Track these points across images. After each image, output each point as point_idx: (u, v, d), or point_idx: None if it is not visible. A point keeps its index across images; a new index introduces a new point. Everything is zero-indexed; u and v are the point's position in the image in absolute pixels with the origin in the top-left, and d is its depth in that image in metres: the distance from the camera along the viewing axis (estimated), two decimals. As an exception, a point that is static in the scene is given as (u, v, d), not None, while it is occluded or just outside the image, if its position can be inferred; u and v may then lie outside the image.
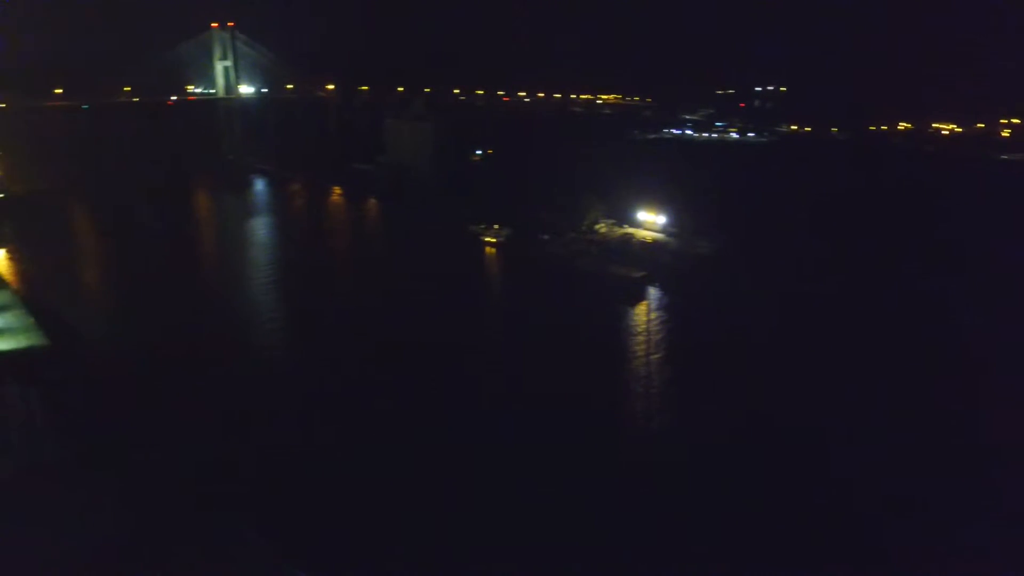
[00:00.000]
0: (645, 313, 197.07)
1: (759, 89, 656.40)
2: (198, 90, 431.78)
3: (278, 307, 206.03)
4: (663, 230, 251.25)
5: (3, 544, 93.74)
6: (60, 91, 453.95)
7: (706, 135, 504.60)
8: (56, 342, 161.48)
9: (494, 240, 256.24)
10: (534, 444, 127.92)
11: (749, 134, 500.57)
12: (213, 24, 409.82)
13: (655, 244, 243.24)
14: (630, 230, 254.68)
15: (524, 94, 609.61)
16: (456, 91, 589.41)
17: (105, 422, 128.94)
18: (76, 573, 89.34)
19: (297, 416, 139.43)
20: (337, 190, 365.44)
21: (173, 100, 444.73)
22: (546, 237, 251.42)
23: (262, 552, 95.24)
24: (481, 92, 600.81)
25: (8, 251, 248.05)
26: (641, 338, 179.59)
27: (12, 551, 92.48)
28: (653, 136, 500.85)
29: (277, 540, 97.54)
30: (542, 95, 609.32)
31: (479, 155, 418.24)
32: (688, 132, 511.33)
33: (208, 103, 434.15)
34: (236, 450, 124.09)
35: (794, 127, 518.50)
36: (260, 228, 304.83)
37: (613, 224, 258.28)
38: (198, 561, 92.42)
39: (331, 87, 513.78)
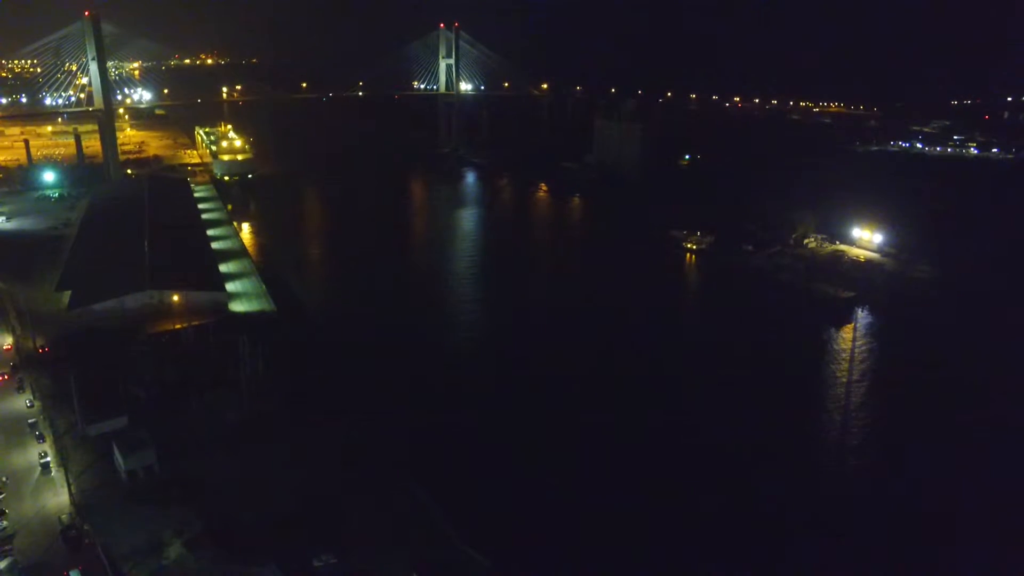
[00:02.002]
0: (851, 337, 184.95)
1: (1010, 99, 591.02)
2: (422, 86, 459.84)
3: (479, 298, 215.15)
4: (879, 250, 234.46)
5: (231, 478, 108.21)
6: (305, 85, 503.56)
7: (939, 149, 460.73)
8: (281, 308, 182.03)
9: (695, 247, 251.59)
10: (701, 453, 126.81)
11: (993, 150, 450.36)
12: (440, 24, 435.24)
13: (868, 264, 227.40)
14: (841, 247, 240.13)
15: (739, 99, 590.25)
16: (669, 94, 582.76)
17: (315, 382, 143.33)
18: (275, 512, 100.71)
19: (487, 406, 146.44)
20: (543, 186, 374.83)
21: (399, 95, 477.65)
22: (749, 248, 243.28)
23: (431, 516, 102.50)
24: (694, 96, 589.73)
25: (251, 225, 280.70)
26: (843, 364, 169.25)
27: (237, 485, 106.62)
28: (876, 148, 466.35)
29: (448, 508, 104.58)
30: (757, 100, 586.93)
31: (687, 160, 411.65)
32: (918, 145, 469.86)
33: (429, 98, 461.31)
34: (418, 417, 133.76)
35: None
36: (468, 219, 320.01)
37: (823, 239, 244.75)
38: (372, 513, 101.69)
39: (545, 86, 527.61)
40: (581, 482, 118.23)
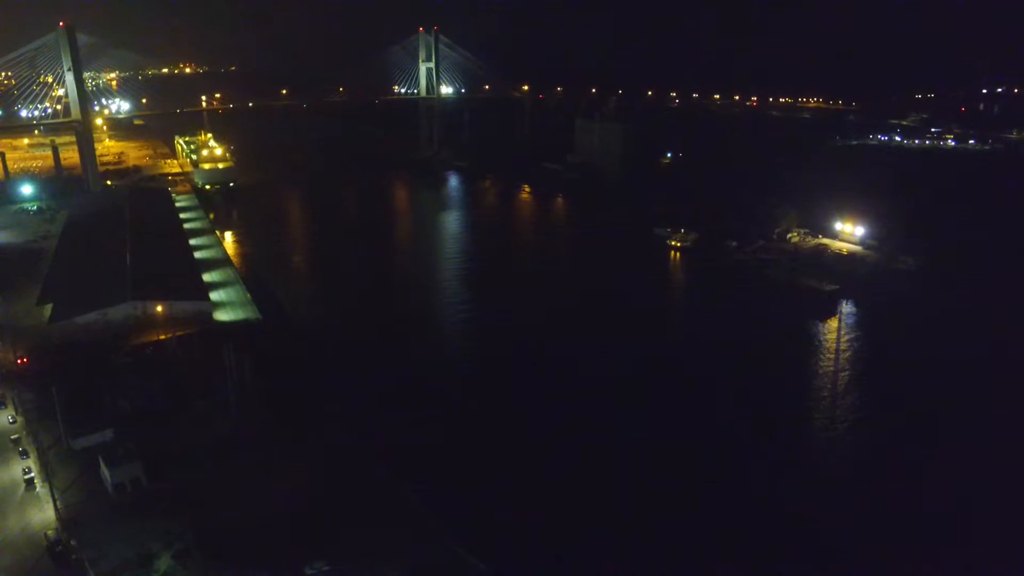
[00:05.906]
0: (835, 329, 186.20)
1: (986, 91, 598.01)
2: (402, 90, 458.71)
3: (467, 300, 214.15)
4: (861, 242, 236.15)
5: (220, 487, 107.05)
6: (285, 91, 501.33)
7: (918, 142, 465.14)
8: (267, 316, 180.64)
9: (679, 244, 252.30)
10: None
11: (970, 141, 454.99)
12: (420, 28, 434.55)
13: (851, 257, 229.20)
14: (824, 240, 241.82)
15: (718, 97, 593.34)
16: (649, 93, 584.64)
17: (304, 388, 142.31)
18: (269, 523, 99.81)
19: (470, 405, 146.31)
20: (526, 187, 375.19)
21: (379, 100, 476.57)
22: (734, 243, 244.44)
23: (425, 520, 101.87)
24: (674, 95, 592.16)
25: (234, 233, 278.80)
26: (828, 357, 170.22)
27: (226, 494, 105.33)
28: (856, 142, 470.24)
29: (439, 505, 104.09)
30: (737, 98, 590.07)
31: (668, 158, 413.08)
32: (897, 139, 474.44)
33: (410, 102, 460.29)
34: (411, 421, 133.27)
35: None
36: (452, 222, 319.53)
37: (806, 233, 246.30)
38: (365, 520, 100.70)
39: (526, 88, 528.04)
40: (575, 483, 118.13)
